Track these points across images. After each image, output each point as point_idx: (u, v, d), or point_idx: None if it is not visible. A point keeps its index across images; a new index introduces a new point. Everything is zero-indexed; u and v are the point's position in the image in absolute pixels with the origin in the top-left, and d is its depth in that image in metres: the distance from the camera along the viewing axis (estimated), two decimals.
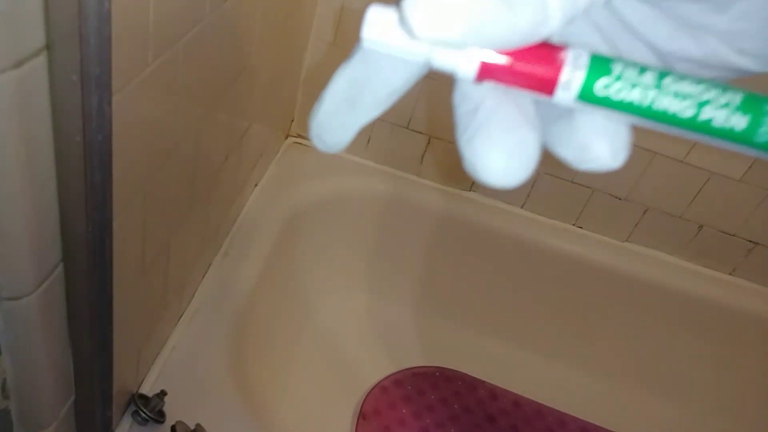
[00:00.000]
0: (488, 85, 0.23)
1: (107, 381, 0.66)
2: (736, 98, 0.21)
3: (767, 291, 1.46)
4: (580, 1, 0.21)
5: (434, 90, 1.32)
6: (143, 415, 0.82)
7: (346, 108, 0.26)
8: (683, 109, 0.22)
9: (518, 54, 0.22)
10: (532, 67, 0.22)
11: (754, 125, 0.21)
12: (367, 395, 1.32)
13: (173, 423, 0.84)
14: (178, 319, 0.99)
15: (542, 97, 0.23)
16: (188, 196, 0.85)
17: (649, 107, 0.22)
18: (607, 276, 1.43)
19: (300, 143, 1.45)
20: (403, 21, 0.20)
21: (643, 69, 0.22)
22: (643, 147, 1.31)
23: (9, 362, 0.56)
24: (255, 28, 0.93)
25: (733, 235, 1.41)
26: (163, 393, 0.85)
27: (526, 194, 1.43)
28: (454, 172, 1.43)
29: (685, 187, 1.35)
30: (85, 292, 0.56)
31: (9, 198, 0.45)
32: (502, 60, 0.22)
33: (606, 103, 0.22)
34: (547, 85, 0.22)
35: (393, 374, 1.38)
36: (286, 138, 1.45)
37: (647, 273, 1.42)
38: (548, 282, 1.46)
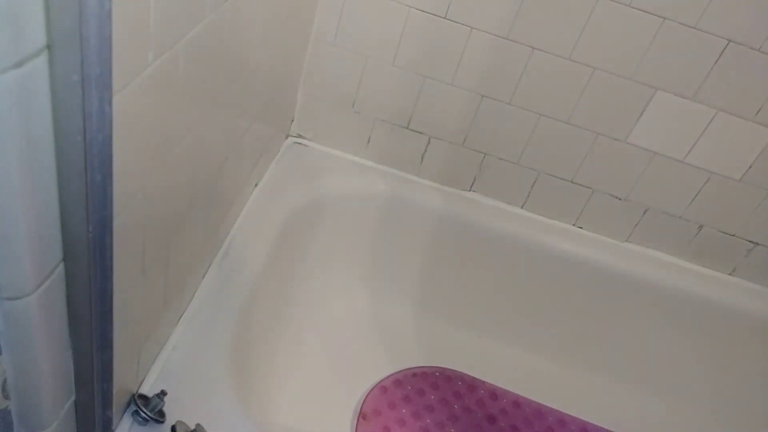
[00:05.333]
0: None
1: (107, 381, 0.66)
2: None
3: (767, 291, 1.46)
4: None
5: (434, 90, 1.32)
6: (143, 415, 0.82)
7: None
8: None
9: None
10: None
11: None
12: (367, 395, 1.32)
13: (173, 423, 0.84)
14: (178, 319, 0.99)
15: None
16: (188, 196, 0.85)
17: None
18: (607, 276, 1.43)
19: (300, 143, 1.45)
20: None
21: None
22: (643, 147, 1.31)
23: (9, 362, 0.56)
24: (255, 28, 0.93)
25: (733, 235, 1.41)
26: (163, 393, 0.85)
27: (526, 194, 1.43)
28: (454, 172, 1.43)
29: (685, 187, 1.35)
30: (85, 292, 0.56)
31: (9, 198, 0.45)
32: None
33: None
34: None
35: (393, 374, 1.38)
36: (286, 138, 1.45)
37: (647, 273, 1.42)
38: (548, 282, 1.46)
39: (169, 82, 0.66)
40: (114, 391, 0.69)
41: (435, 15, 1.23)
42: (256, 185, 1.29)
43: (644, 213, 1.41)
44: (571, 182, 1.39)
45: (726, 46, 1.17)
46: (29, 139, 0.44)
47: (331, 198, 1.38)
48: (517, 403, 1.41)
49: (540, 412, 1.40)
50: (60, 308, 0.57)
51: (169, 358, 0.93)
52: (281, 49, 1.13)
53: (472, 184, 1.44)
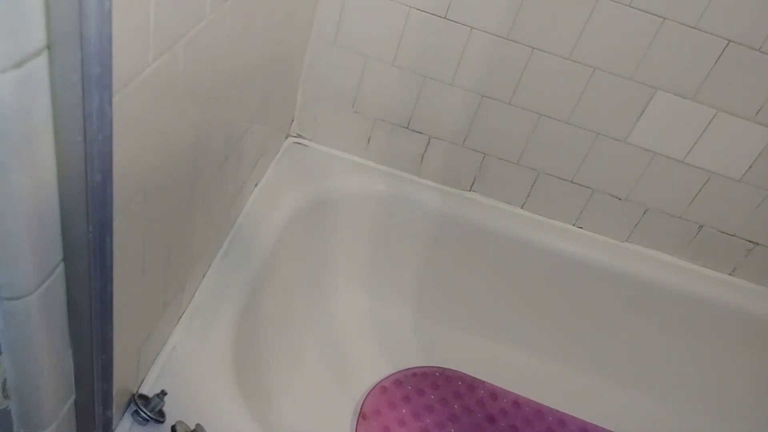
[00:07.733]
0: None
1: (107, 381, 0.66)
2: None
3: (767, 291, 1.46)
4: None
5: (434, 90, 1.32)
6: (143, 415, 0.82)
7: None
8: None
9: None
10: None
11: None
12: (367, 395, 1.32)
13: (173, 423, 0.84)
14: (178, 319, 0.99)
15: None
16: (188, 196, 0.85)
17: None
18: (607, 276, 1.43)
19: (300, 143, 1.45)
20: None
21: None
22: (643, 147, 1.31)
23: (9, 362, 0.56)
24: (255, 28, 0.93)
25: (733, 235, 1.41)
26: (163, 393, 0.85)
27: (526, 194, 1.43)
28: (454, 172, 1.43)
29: (685, 187, 1.35)
30: (85, 292, 0.56)
31: (9, 198, 0.45)
32: None
33: None
34: None
35: (393, 374, 1.38)
36: (286, 138, 1.45)
37: (647, 273, 1.42)
38: (548, 282, 1.46)
39: (169, 82, 0.66)
40: (114, 391, 0.69)
41: (435, 15, 1.23)
42: (256, 185, 1.29)
43: (644, 213, 1.41)
44: (571, 182, 1.39)
45: (726, 46, 1.17)
46: (29, 140, 0.44)
47: (331, 198, 1.38)
48: (517, 403, 1.41)
49: (540, 412, 1.40)
50: (60, 308, 0.57)
51: (169, 358, 0.93)
52: (281, 49, 1.13)
53: (472, 184, 1.44)
